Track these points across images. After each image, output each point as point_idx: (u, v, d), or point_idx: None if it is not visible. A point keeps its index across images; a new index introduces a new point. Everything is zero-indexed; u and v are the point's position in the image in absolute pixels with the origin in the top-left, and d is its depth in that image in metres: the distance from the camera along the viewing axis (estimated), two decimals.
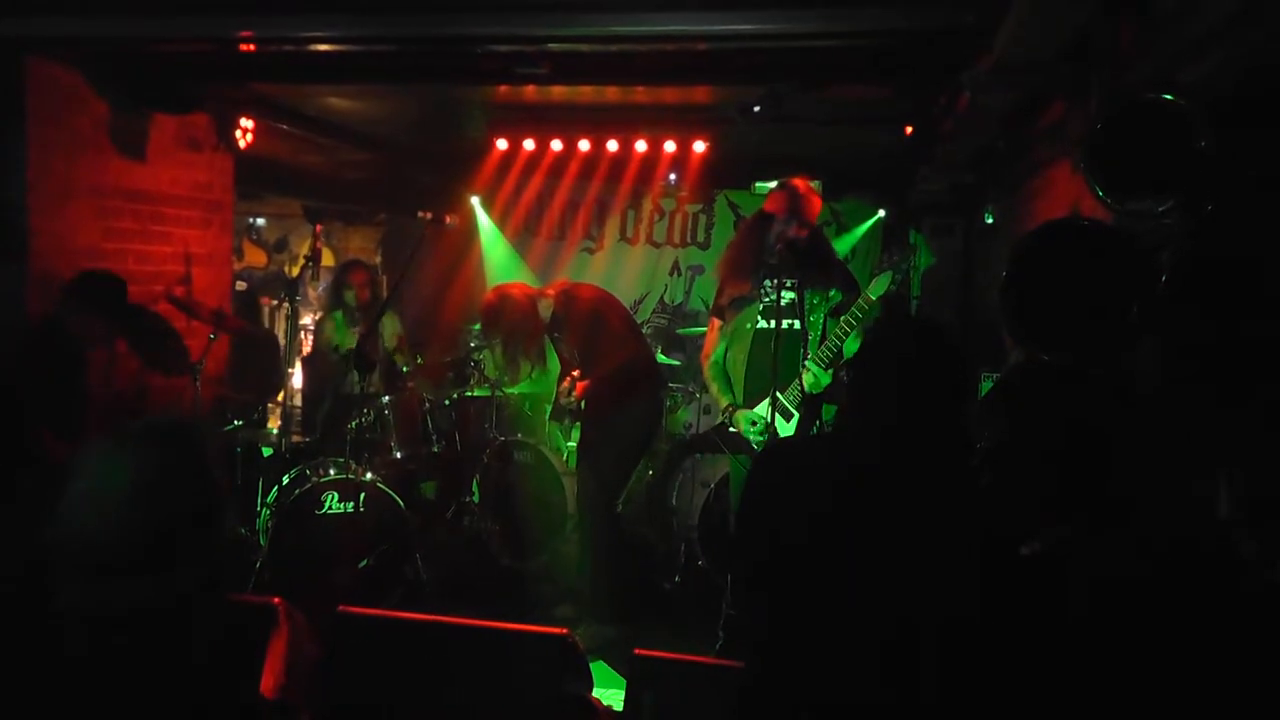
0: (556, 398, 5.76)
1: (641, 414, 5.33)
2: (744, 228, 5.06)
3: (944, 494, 2.10)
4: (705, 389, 4.95)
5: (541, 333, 5.42)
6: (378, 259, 10.65)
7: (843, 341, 4.22)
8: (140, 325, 5.41)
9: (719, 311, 4.70)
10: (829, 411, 4.47)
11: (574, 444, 6.52)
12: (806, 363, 4.30)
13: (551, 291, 5.41)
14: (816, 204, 4.54)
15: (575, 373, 5.45)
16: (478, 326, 7.04)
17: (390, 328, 6.64)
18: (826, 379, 4.28)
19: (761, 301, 4.48)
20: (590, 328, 5.22)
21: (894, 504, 2.07)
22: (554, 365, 5.93)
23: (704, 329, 5.12)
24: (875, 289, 4.12)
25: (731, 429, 4.55)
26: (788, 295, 4.41)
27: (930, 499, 2.08)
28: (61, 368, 4.57)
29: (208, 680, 1.63)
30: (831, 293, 4.46)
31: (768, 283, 4.44)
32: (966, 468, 2.18)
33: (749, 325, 4.52)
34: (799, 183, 4.58)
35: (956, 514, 2.07)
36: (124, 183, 5.68)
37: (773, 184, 4.83)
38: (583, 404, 5.44)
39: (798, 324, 4.42)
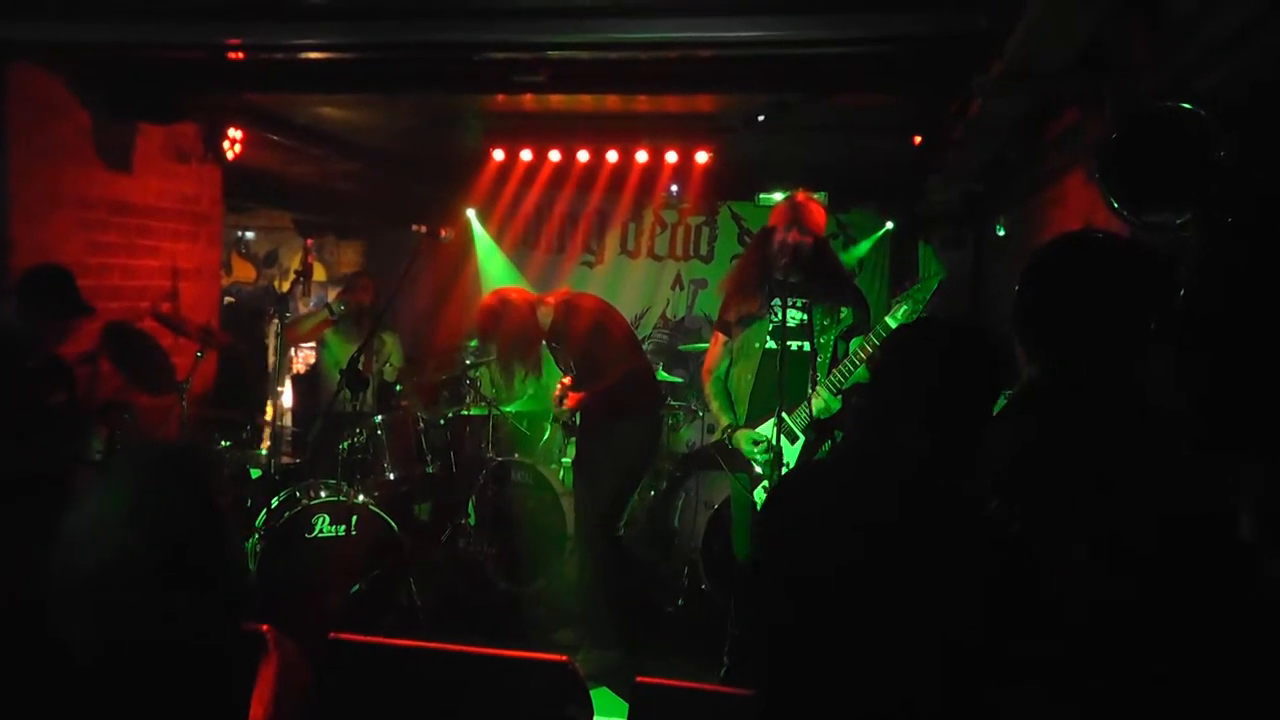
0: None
1: (641, 431, 5.32)
2: (749, 244, 5.07)
3: (973, 520, 2.05)
4: (706, 406, 4.95)
5: (540, 340, 5.40)
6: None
7: (855, 369, 4.22)
8: (124, 342, 5.39)
9: (724, 327, 4.70)
10: (838, 436, 4.46)
11: (568, 459, 6.49)
12: (818, 388, 4.29)
13: (552, 300, 5.40)
14: (818, 212, 4.53)
15: (566, 380, 5.44)
16: (474, 343, 7.05)
17: (392, 348, 6.65)
18: (837, 404, 4.27)
19: (771, 321, 4.48)
20: (591, 338, 5.22)
21: (928, 531, 2.02)
22: (549, 376, 5.92)
23: (706, 345, 5.11)
24: (894, 317, 4.11)
25: (731, 447, 4.55)
26: (796, 315, 4.41)
27: (962, 525, 2.03)
28: (7, 374, 4.50)
29: (197, 711, 1.63)
30: (842, 313, 4.46)
31: (776, 302, 4.44)
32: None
33: (757, 344, 4.51)
34: (799, 194, 4.59)
35: (982, 540, 2.03)
36: (109, 194, 5.69)
37: (777, 195, 4.84)
38: (578, 418, 5.42)
39: (807, 345, 4.41)
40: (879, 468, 2.13)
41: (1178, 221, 2.68)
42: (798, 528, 2.16)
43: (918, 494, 2.05)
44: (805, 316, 4.42)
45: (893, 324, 4.10)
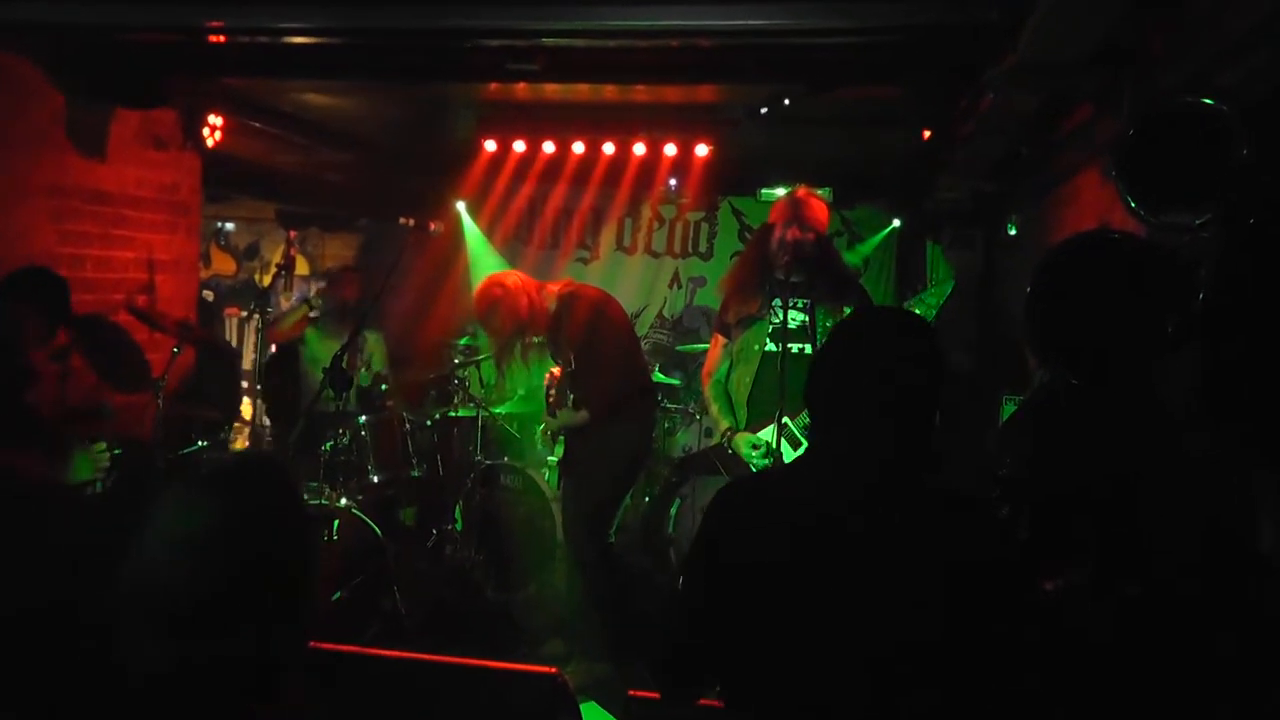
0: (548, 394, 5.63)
1: (635, 432, 5.29)
2: (749, 242, 5.05)
3: (945, 530, 2.02)
4: (705, 410, 4.93)
5: (539, 330, 5.31)
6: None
7: None
8: (97, 337, 5.37)
9: (724, 328, 4.70)
10: None
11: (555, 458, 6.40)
12: None
13: (554, 289, 5.34)
14: (819, 209, 4.53)
15: (556, 371, 5.40)
16: (464, 341, 7.04)
17: (374, 348, 6.64)
18: None
19: (771, 323, 4.48)
20: (591, 330, 5.15)
21: (888, 548, 1.97)
22: (540, 376, 5.88)
23: (705, 345, 5.09)
24: None
25: (730, 451, 4.54)
26: (797, 317, 4.41)
27: (932, 537, 2.00)
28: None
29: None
30: (846, 313, 4.45)
31: (776, 302, 4.44)
32: (957, 496, 2.08)
33: (757, 346, 4.51)
34: (800, 189, 4.59)
35: (962, 552, 2.00)
36: (83, 182, 5.67)
37: (779, 191, 4.84)
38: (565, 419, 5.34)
39: (809, 348, 4.41)
40: (841, 466, 2.09)
41: (1197, 222, 2.68)
42: (751, 530, 2.11)
43: (884, 492, 2.02)
44: (807, 318, 4.42)
45: None
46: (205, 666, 1.52)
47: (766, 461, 4.31)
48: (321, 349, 6.38)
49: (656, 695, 2.78)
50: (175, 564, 1.54)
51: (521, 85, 5.91)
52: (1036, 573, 2.38)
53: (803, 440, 4.33)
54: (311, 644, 2.75)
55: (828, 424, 2.15)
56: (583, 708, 2.84)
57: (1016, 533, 2.54)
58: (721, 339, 4.72)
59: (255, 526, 1.59)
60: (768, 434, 4.33)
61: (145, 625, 1.52)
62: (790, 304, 4.37)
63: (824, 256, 4.52)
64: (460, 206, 8.87)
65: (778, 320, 4.40)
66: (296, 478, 5.11)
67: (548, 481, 6.40)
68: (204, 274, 10.50)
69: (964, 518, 2.03)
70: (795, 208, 4.46)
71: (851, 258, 8.47)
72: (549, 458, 6.59)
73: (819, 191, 4.70)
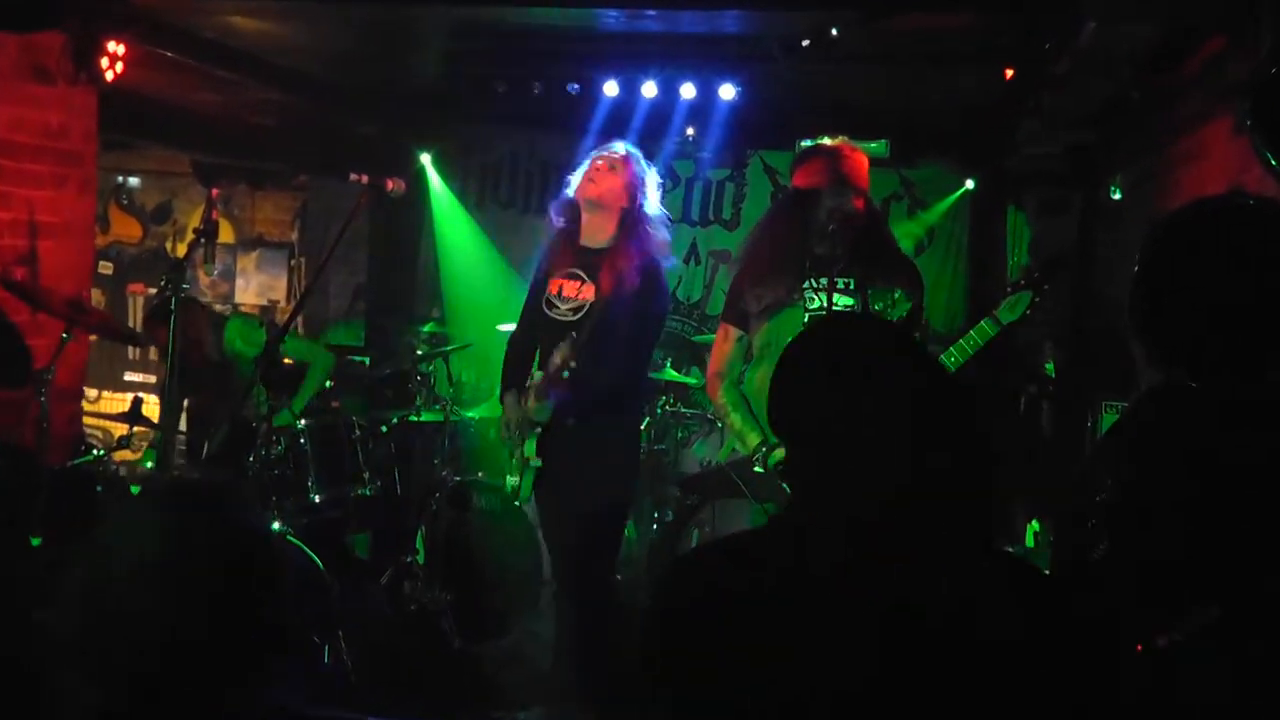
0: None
1: (634, 434, 5.22)
2: (775, 210, 5.02)
3: (997, 592, 1.95)
4: (722, 419, 4.86)
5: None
6: (294, 235, 10.66)
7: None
8: None
9: (739, 318, 4.63)
10: None
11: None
12: None
13: None
14: (862, 163, 4.48)
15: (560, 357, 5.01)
16: (430, 326, 7.03)
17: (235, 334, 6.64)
18: None
19: (806, 309, 4.44)
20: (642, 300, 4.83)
21: (927, 627, 1.90)
22: None
23: None
24: (1007, 311, 4.10)
25: (761, 471, 4.51)
26: (842, 299, 4.37)
27: (983, 604, 1.92)
28: None
29: None
30: (896, 294, 4.43)
31: (813, 282, 4.41)
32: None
33: (790, 340, 4.46)
34: (841, 144, 4.52)
35: (1021, 620, 1.92)
36: None
37: (825, 144, 4.79)
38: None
39: None
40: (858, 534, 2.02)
41: None
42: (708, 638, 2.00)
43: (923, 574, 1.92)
44: (853, 301, 4.39)
45: (1004, 319, 4.11)
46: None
47: None
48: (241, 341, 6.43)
49: None
50: (104, 602, 1.54)
51: (503, 7, 5.90)
52: (1142, 626, 2.37)
53: None
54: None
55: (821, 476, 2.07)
56: None
57: (1120, 576, 2.52)
58: (734, 331, 4.64)
59: (213, 565, 1.60)
60: None
61: (67, 669, 1.53)
62: (834, 285, 4.33)
63: (873, 225, 4.50)
64: (425, 160, 8.85)
65: (814, 305, 4.37)
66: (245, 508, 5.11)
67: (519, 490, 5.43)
68: (102, 240, 10.51)
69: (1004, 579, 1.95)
70: (837, 170, 4.39)
71: (913, 227, 8.46)
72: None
73: (871, 145, 4.66)
